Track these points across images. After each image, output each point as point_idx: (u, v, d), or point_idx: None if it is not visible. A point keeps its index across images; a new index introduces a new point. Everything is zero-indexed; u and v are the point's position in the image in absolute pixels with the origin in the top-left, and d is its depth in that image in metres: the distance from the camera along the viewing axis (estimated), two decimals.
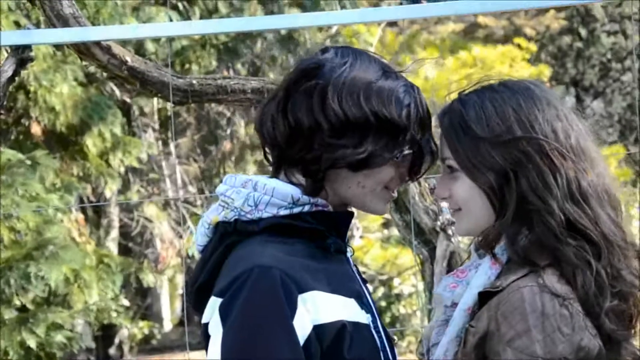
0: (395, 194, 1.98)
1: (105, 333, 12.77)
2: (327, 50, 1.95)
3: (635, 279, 1.87)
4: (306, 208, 1.90)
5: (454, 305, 1.90)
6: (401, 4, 3.37)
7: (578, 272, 1.81)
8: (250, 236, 1.88)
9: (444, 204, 3.33)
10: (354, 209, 2.00)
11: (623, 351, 1.87)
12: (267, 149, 1.96)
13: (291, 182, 1.91)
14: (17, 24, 7.43)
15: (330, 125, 1.87)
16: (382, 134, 1.88)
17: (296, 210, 1.90)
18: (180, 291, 17.68)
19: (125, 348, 13.59)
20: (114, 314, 8.97)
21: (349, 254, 2.00)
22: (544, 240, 1.83)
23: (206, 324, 1.86)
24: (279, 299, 1.79)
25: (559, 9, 17.95)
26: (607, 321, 1.82)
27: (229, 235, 1.90)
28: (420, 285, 3.78)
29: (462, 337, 1.84)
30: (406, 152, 1.91)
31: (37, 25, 7.02)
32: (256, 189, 1.90)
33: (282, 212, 1.89)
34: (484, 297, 1.84)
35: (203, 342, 1.88)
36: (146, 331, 15.27)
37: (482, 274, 1.88)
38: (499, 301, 1.81)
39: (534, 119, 1.87)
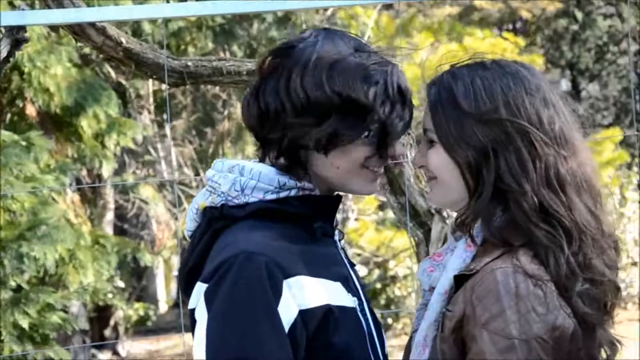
0: (380, 172, 1.97)
1: (100, 315, 12.78)
2: (304, 32, 1.94)
3: (607, 270, 1.87)
4: (293, 192, 1.91)
5: (432, 289, 1.90)
6: None
7: (550, 253, 1.82)
8: (237, 221, 1.88)
9: None
10: (342, 193, 2.00)
11: (599, 335, 1.87)
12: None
13: (274, 166, 1.91)
14: (12, 5, 7.40)
15: (292, 105, 1.87)
16: (347, 114, 1.87)
17: (283, 194, 1.90)
18: (175, 273, 17.69)
19: (121, 330, 13.61)
20: (109, 295, 8.98)
21: (336, 238, 2.00)
22: (518, 220, 1.84)
23: (193, 310, 1.87)
24: (264, 285, 1.79)
25: None
26: (581, 304, 1.82)
27: (216, 221, 1.91)
28: (415, 268, 3.78)
29: (440, 322, 1.85)
30: (374, 131, 1.90)
31: (32, 6, 6.99)
32: (243, 174, 1.90)
33: (269, 196, 1.89)
34: (460, 280, 1.85)
35: (190, 327, 1.88)
36: (141, 313, 15.30)
37: (457, 257, 1.89)
38: (474, 284, 1.81)
39: (520, 102, 1.87)
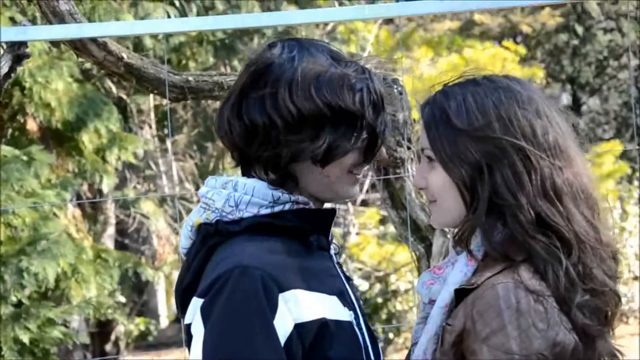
0: (360, 176, 1.99)
1: (101, 329, 12.75)
2: (274, 45, 1.95)
3: (608, 279, 1.87)
4: (287, 206, 1.91)
5: (432, 302, 1.91)
6: (397, 0, 3.37)
7: (548, 267, 1.82)
8: (232, 237, 1.89)
9: None
10: (338, 205, 2.01)
11: (599, 347, 1.87)
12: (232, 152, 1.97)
13: (260, 180, 1.92)
14: (13, 20, 7.42)
15: (284, 122, 1.87)
16: (339, 124, 1.89)
17: (277, 208, 1.90)
18: None
19: (122, 344, 13.57)
20: (110, 310, 8.96)
21: (332, 251, 2.00)
22: (516, 235, 1.84)
23: (189, 325, 1.87)
24: (260, 299, 1.80)
25: (554, 6, 17.95)
26: (581, 315, 1.82)
27: (211, 237, 1.91)
28: (417, 282, 3.78)
29: (440, 335, 1.85)
30: (364, 138, 1.92)
31: (33, 21, 7.00)
32: (236, 189, 1.91)
33: (263, 211, 1.90)
34: (460, 294, 1.84)
35: (187, 342, 1.88)
36: (142, 328, 15.25)
37: (458, 270, 1.89)
38: (475, 298, 1.81)
39: (513, 115, 1.87)
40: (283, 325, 1.81)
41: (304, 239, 1.92)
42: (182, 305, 1.93)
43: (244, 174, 1.96)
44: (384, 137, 1.95)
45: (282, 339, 1.80)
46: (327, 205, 2.00)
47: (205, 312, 1.82)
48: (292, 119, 1.87)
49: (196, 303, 1.85)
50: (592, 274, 1.85)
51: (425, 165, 1.94)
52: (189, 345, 1.87)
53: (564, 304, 1.82)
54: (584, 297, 1.83)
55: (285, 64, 1.90)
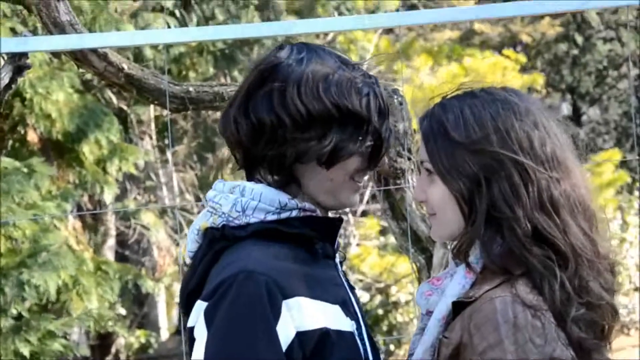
0: (361, 184, 1.99)
1: (102, 342, 12.74)
2: (282, 47, 1.96)
3: (604, 292, 1.87)
4: (294, 213, 1.91)
5: (429, 313, 1.90)
6: (397, 10, 3.37)
7: (545, 280, 1.81)
8: (238, 241, 1.89)
9: None
10: (336, 212, 2.02)
11: None
12: (236, 154, 1.98)
13: (270, 184, 1.92)
14: (14, 31, 7.42)
15: (292, 120, 1.88)
16: (346, 125, 1.90)
17: (284, 215, 1.90)
18: (177, 300, 17.61)
19: (122, 357, 13.56)
20: (110, 322, 8.95)
21: (337, 260, 2.00)
22: (513, 248, 1.83)
23: (192, 328, 1.87)
24: (263, 304, 1.80)
25: (554, 16, 17.98)
26: (577, 329, 1.81)
27: (217, 241, 1.91)
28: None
29: (437, 347, 1.84)
30: (369, 142, 1.92)
31: (34, 32, 7.01)
32: (244, 195, 1.91)
33: (270, 217, 1.90)
34: (458, 307, 1.84)
35: (189, 345, 1.88)
36: (143, 340, 15.23)
37: (456, 283, 1.88)
38: (472, 312, 1.81)
39: (510, 127, 1.87)
40: (285, 332, 1.81)
41: (310, 246, 1.92)
42: (186, 308, 1.93)
43: (248, 178, 1.96)
44: (388, 144, 1.96)
45: (284, 346, 1.80)
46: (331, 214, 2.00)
47: (208, 315, 1.82)
48: (301, 117, 1.88)
49: (200, 306, 1.85)
50: (588, 287, 1.84)
51: (424, 178, 1.95)
52: (191, 349, 1.87)
53: (560, 318, 1.81)
54: (579, 310, 1.82)
55: (293, 64, 1.91)
